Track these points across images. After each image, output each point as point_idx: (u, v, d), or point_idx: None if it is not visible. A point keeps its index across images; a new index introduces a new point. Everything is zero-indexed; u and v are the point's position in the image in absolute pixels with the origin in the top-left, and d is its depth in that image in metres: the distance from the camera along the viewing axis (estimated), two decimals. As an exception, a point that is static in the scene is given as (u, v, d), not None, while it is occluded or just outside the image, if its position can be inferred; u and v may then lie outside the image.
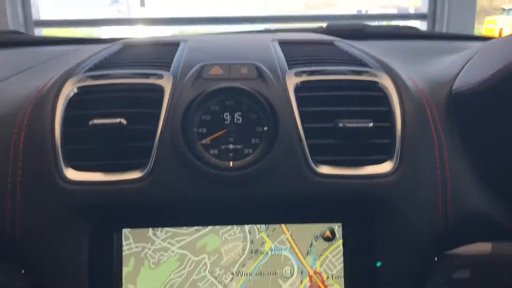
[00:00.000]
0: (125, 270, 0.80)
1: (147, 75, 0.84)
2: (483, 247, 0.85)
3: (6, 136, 0.81)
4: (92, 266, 0.78)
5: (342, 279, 0.82)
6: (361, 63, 0.91)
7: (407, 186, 0.79)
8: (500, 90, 0.77)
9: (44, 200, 0.77)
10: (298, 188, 0.78)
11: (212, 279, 0.81)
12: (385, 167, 0.80)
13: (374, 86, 0.84)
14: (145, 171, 0.77)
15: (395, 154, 0.80)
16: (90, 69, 0.88)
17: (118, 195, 0.77)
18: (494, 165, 0.83)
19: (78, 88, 0.82)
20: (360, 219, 0.81)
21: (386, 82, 0.84)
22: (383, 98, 0.83)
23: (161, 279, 0.80)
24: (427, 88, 0.88)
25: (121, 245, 0.80)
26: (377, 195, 0.79)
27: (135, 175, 0.77)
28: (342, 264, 0.81)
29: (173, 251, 0.81)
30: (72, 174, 0.77)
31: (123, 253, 0.80)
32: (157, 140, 0.77)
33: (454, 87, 0.87)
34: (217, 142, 0.79)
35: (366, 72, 0.86)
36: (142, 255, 0.80)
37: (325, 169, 0.79)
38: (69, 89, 0.82)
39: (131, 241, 0.80)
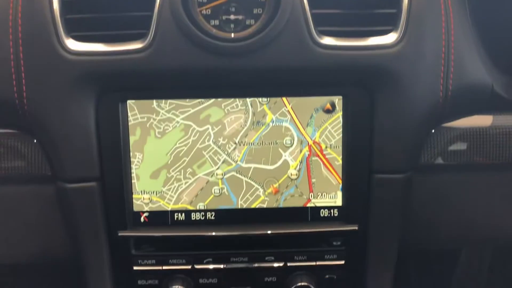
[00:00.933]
0: (132, 139, 0.84)
1: None
2: (482, 119, 0.87)
3: (4, 7, 0.79)
4: (100, 135, 0.82)
5: (340, 149, 0.85)
6: None
7: (410, 57, 0.79)
8: None
9: (48, 71, 0.78)
10: (300, 59, 0.78)
11: (216, 148, 0.85)
12: (390, 38, 0.78)
13: None
14: (146, 41, 0.76)
15: (400, 24, 0.78)
16: None
17: (120, 65, 0.77)
18: (499, 36, 0.81)
19: None
20: (361, 90, 0.81)
21: None
22: None
23: (167, 148, 0.84)
24: None
25: (127, 116, 0.82)
26: (379, 65, 0.79)
27: (136, 45, 0.77)
28: (341, 135, 0.85)
29: (177, 122, 0.83)
30: (73, 44, 0.77)
31: (129, 123, 0.83)
32: (157, 9, 0.76)
33: None
34: (218, 12, 0.77)
35: None
36: (148, 125, 0.83)
37: (328, 40, 0.78)
38: None
39: (136, 112, 0.83)
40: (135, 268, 0.88)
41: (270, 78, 0.80)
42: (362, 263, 0.91)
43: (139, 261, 0.88)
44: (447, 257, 1.40)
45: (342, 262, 0.89)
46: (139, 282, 0.89)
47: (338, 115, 0.84)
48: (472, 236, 0.97)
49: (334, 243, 0.89)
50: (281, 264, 0.88)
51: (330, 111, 0.84)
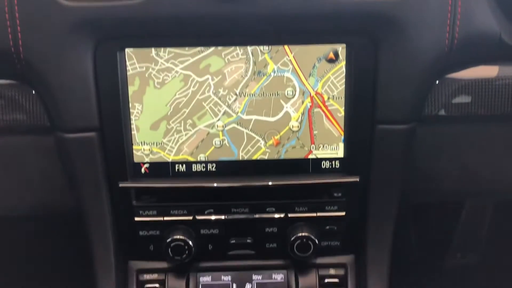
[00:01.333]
0: (131, 89, 0.82)
1: None
2: (488, 70, 0.85)
3: None
4: (99, 84, 0.80)
5: (343, 100, 0.84)
6: None
7: (415, 3, 0.76)
8: None
9: (43, 18, 0.76)
10: (302, 5, 0.75)
11: (216, 99, 0.83)
12: None
13: None
14: None
15: None
16: None
17: (117, 12, 0.75)
18: None
19: None
20: (365, 38, 0.79)
21: None
22: None
23: (167, 99, 0.83)
24: None
25: (125, 65, 0.81)
26: (383, 12, 0.76)
27: None
28: (344, 86, 0.83)
29: (176, 72, 0.81)
30: None
31: (128, 73, 0.81)
32: None
33: None
34: None
35: None
36: (146, 75, 0.81)
37: None
38: None
39: (135, 61, 0.81)
40: (136, 219, 0.88)
41: (271, 24, 0.78)
42: (363, 214, 0.91)
43: (140, 212, 0.88)
44: (448, 212, 1.41)
45: (343, 213, 0.89)
46: (141, 233, 0.90)
47: (342, 64, 0.82)
48: (474, 188, 0.97)
49: (335, 194, 0.88)
50: (281, 215, 0.89)
51: (333, 60, 0.82)
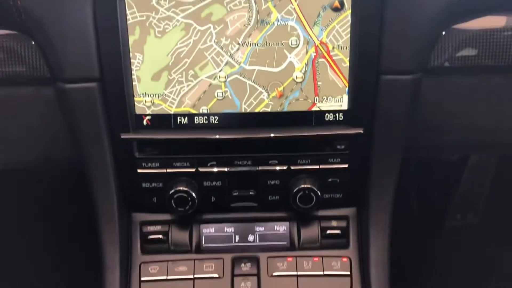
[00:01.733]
0: (132, 39, 0.80)
1: None
2: (495, 20, 0.83)
3: None
4: (99, 34, 0.78)
5: (348, 49, 0.82)
6: None
7: None
8: None
9: None
10: None
11: (218, 48, 0.82)
12: None
13: None
14: None
15: None
16: None
17: None
18: None
19: None
20: None
21: None
22: None
23: (168, 48, 0.81)
24: None
25: (125, 14, 0.78)
26: None
27: None
28: (349, 35, 0.81)
29: (177, 21, 0.79)
30: None
31: (128, 22, 0.79)
32: None
33: None
34: None
35: None
36: (147, 24, 0.79)
37: None
38: None
39: (135, 10, 0.79)
40: (139, 171, 0.88)
41: None
42: (365, 167, 0.91)
43: (143, 164, 0.88)
44: (450, 167, 1.42)
45: (346, 165, 0.89)
46: (143, 185, 0.90)
47: (347, 13, 0.80)
48: (478, 140, 0.97)
49: (338, 146, 0.88)
50: (284, 168, 0.89)
51: (338, 9, 0.80)
